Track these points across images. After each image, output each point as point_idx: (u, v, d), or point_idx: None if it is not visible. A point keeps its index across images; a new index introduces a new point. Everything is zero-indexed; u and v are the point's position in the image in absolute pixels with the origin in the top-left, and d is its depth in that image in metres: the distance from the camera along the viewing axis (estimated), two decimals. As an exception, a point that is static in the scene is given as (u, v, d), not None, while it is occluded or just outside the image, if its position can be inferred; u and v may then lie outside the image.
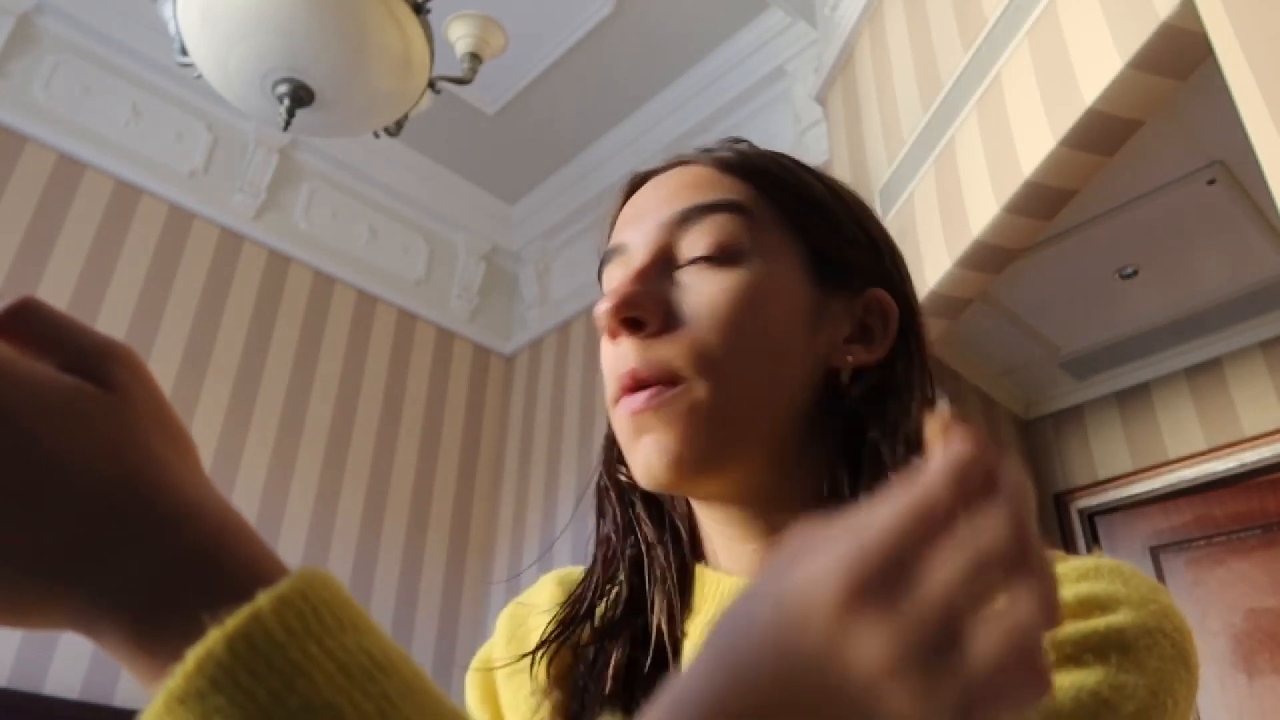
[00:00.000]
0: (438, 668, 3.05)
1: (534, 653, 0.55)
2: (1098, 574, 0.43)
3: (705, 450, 0.49)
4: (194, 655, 0.25)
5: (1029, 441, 3.01)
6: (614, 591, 0.56)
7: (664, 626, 0.52)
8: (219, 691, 0.24)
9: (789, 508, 0.51)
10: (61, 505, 0.26)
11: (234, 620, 0.25)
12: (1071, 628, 0.39)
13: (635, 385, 0.49)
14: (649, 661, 0.51)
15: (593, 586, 0.57)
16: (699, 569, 0.55)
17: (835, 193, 0.58)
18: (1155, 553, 2.71)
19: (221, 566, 0.27)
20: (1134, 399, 2.83)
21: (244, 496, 2.84)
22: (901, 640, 0.23)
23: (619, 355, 0.51)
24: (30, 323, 0.30)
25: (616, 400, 0.51)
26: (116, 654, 0.27)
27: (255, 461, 2.92)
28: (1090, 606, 0.41)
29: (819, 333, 0.53)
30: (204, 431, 2.84)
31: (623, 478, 0.57)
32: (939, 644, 0.23)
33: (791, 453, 0.51)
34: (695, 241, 0.52)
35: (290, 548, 2.88)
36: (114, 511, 0.27)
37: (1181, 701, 0.40)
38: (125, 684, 2.46)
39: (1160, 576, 2.67)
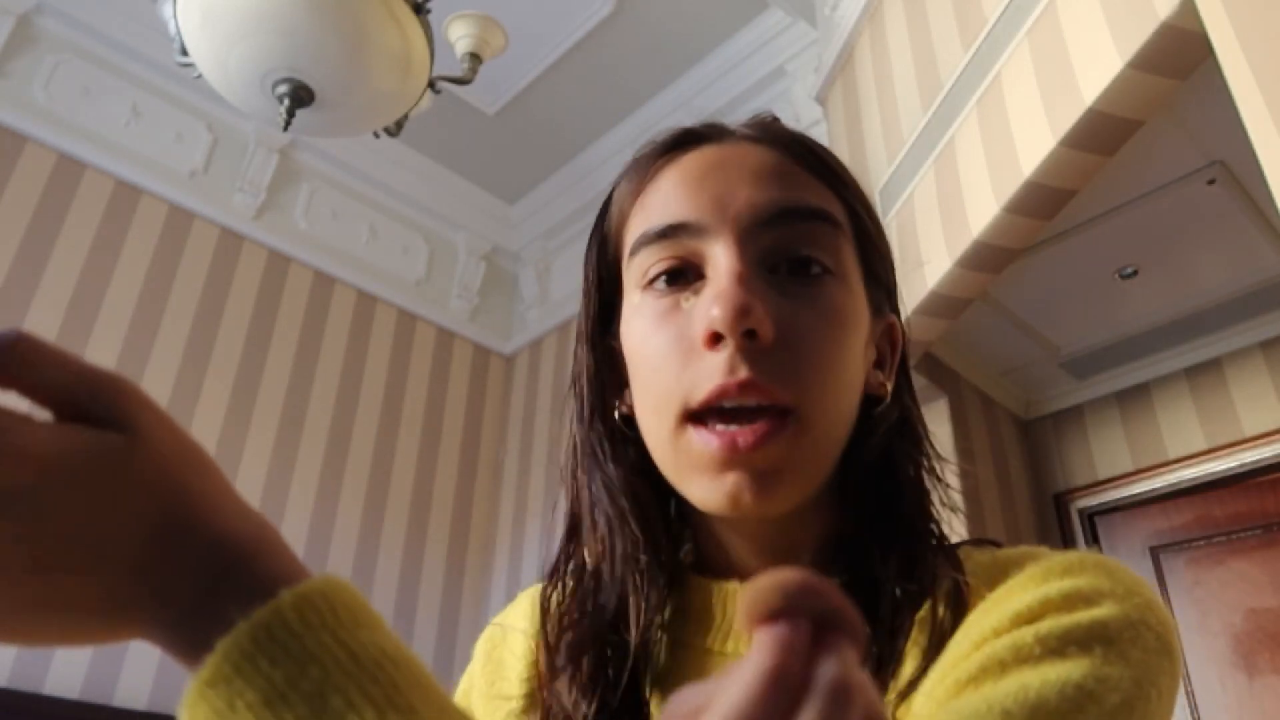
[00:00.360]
0: (438, 668, 3.04)
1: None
2: (1081, 568, 0.43)
3: (799, 484, 0.48)
4: (222, 645, 0.28)
5: (1029, 441, 3.01)
6: (585, 622, 0.52)
7: (638, 640, 0.50)
8: (240, 676, 0.27)
9: (812, 524, 0.51)
10: (114, 560, 0.29)
11: (258, 614, 0.28)
12: (1055, 622, 0.39)
13: (742, 394, 0.45)
14: (620, 696, 0.49)
15: (578, 619, 0.52)
16: (698, 580, 0.53)
17: (871, 204, 0.57)
18: (1155, 553, 2.71)
19: (254, 577, 0.30)
20: (1134, 399, 2.83)
21: (244, 495, 2.83)
22: None
23: (718, 361, 0.46)
24: (27, 364, 0.29)
25: (696, 411, 0.46)
26: (172, 657, 0.30)
27: (255, 461, 2.92)
28: (1074, 601, 0.41)
29: (866, 358, 0.53)
30: (204, 431, 2.83)
31: (613, 484, 0.53)
32: None
33: (830, 474, 0.51)
34: (790, 246, 0.49)
35: (290, 547, 2.88)
36: (161, 551, 0.30)
37: (1165, 693, 0.40)
38: (125, 684, 2.46)
39: (1160, 576, 2.68)
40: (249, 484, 2.88)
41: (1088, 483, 2.84)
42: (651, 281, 0.51)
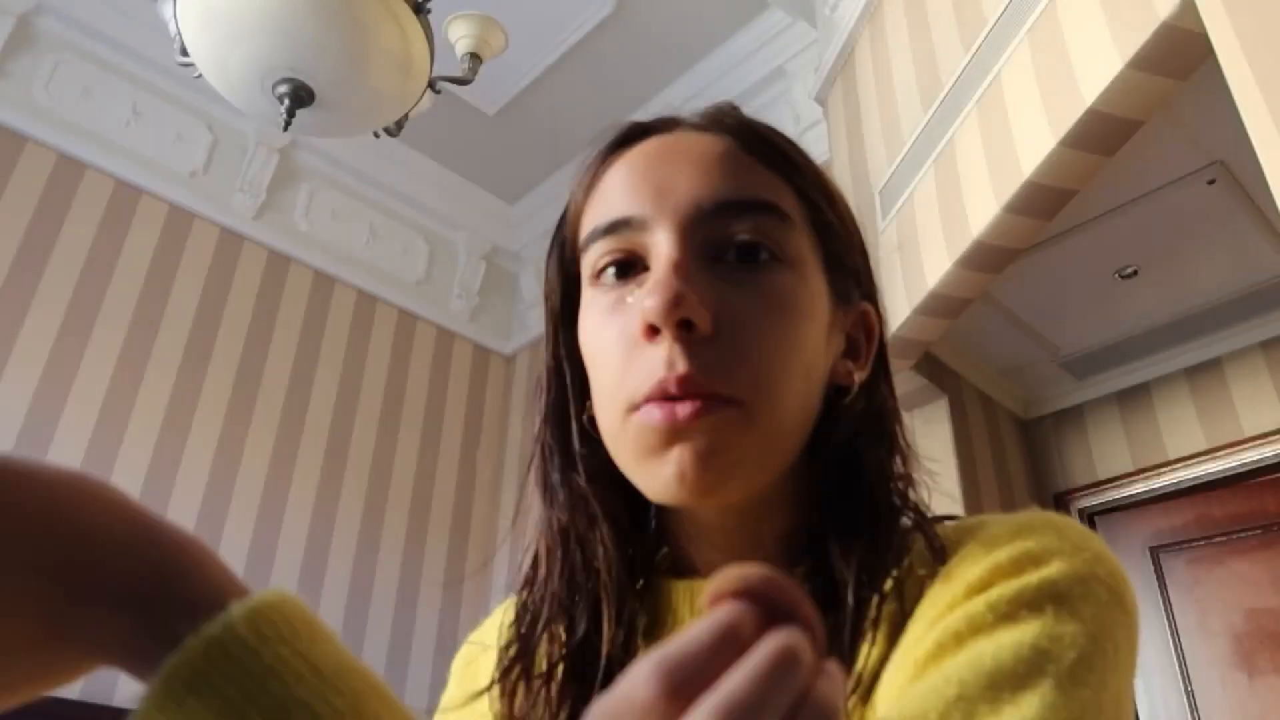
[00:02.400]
0: (438, 669, 3.05)
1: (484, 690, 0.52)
2: (1030, 529, 0.43)
3: (747, 473, 0.46)
4: (171, 664, 0.26)
5: (1029, 441, 3.00)
6: (560, 626, 0.51)
7: (617, 651, 0.49)
8: (194, 695, 0.26)
9: (774, 517, 0.50)
10: (30, 595, 0.27)
11: (209, 629, 0.27)
12: (1005, 587, 0.39)
13: (681, 392, 0.44)
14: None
15: (532, 621, 0.52)
16: (670, 583, 0.52)
17: (837, 190, 0.56)
18: (1155, 553, 2.72)
19: (195, 591, 0.28)
20: (1134, 399, 2.83)
21: (244, 496, 2.84)
22: None
23: (658, 356, 0.45)
24: None
25: (639, 405, 0.45)
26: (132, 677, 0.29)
27: (255, 461, 2.92)
28: (1024, 563, 0.40)
29: (830, 348, 0.52)
30: (204, 431, 2.84)
31: (580, 492, 0.52)
32: None
33: (791, 466, 0.50)
34: (734, 237, 0.48)
35: (290, 548, 2.88)
36: (77, 579, 0.28)
37: (1123, 645, 0.39)
38: (125, 684, 2.46)
39: (1160, 576, 2.68)
40: (249, 484, 2.88)
41: (1088, 483, 2.84)
42: (599, 275, 0.50)
